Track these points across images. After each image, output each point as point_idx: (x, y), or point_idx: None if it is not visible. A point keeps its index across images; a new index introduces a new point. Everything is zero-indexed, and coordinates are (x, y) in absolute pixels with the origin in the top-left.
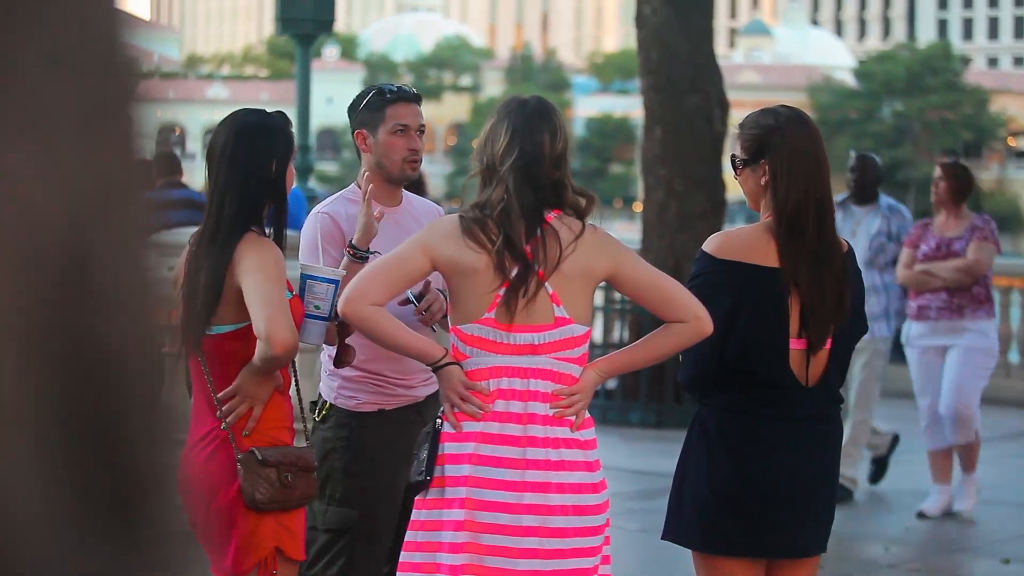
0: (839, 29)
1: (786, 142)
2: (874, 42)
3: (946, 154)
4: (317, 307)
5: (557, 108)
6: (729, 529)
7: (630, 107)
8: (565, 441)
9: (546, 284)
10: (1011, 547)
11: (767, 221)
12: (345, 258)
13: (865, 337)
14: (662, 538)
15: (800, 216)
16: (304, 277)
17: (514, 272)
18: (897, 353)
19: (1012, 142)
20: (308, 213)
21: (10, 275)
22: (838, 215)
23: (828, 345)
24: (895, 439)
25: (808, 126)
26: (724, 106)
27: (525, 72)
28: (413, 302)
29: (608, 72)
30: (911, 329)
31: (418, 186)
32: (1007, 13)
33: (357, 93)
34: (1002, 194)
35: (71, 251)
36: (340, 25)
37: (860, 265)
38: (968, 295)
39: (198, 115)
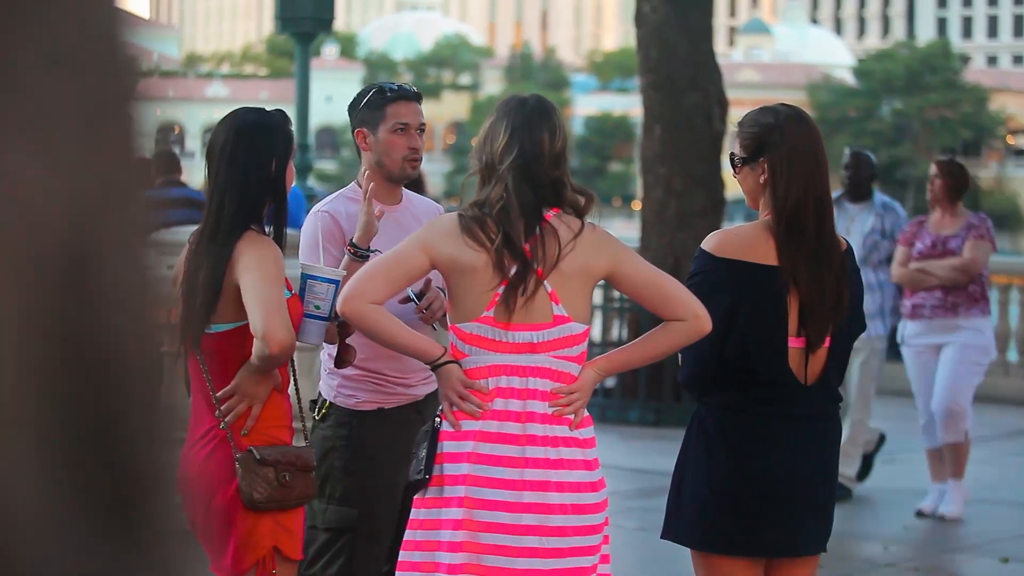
0: (838, 27)
1: (785, 140)
2: (873, 40)
3: (945, 153)
4: (317, 307)
5: (556, 106)
6: (728, 528)
7: (629, 105)
8: (564, 440)
9: (545, 282)
10: (1010, 546)
11: (766, 219)
12: (346, 257)
13: (861, 336)
14: (661, 537)
15: (799, 214)
16: (304, 277)
17: (513, 270)
18: (894, 351)
19: (1011, 140)
20: (307, 212)
21: (10, 275)
22: None
23: (827, 343)
24: (881, 438)
25: (807, 124)
26: (723, 104)
27: (524, 70)
28: (414, 300)
29: (607, 70)
30: (906, 328)
31: (417, 184)
32: (1006, 11)
33: (357, 91)
34: (1001, 192)
35: (71, 250)
36: (339, 23)
37: None
38: (964, 293)
39: (197, 114)
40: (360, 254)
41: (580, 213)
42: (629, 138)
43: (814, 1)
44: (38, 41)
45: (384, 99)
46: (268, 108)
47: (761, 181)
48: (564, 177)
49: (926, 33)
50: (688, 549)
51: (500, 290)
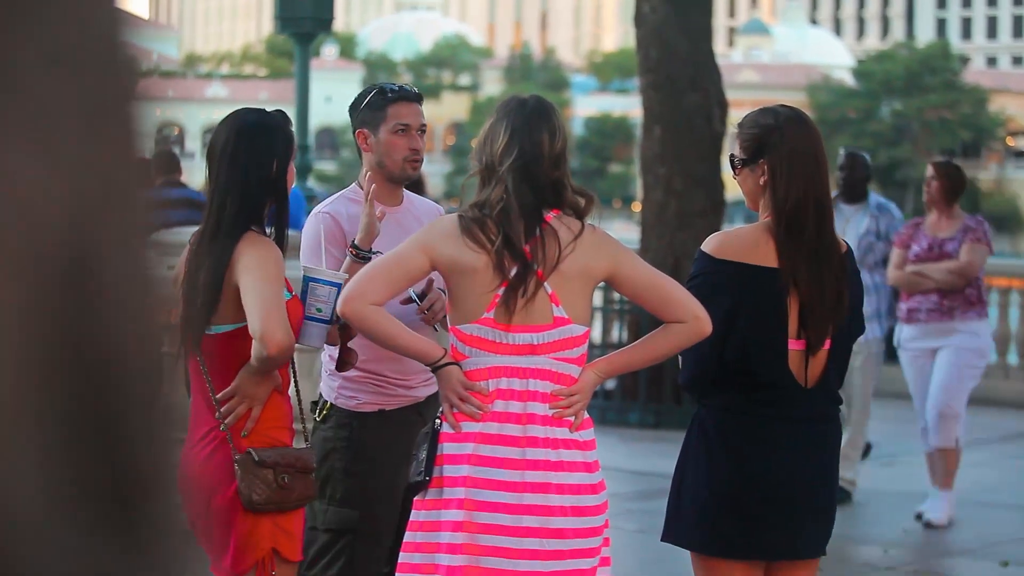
0: (838, 28)
1: (785, 142)
2: (873, 41)
3: (944, 154)
4: (319, 310)
5: (556, 107)
6: (728, 531)
7: (629, 106)
8: (564, 442)
9: (545, 284)
10: (1010, 550)
11: (766, 221)
12: (347, 258)
13: (859, 339)
14: (661, 539)
15: (799, 216)
16: (306, 279)
17: (513, 272)
18: (893, 354)
19: (1011, 142)
20: (307, 213)
21: (10, 275)
22: None
23: (827, 346)
24: (867, 446)
25: (807, 125)
26: (723, 105)
27: (524, 71)
28: (415, 301)
29: (607, 71)
30: (902, 332)
31: (417, 186)
32: (1006, 12)
33: (357, 92)
34: (1000, 194)
35: (71, 251)
36: (339, 24)
37: None
38: (960, 297)
39: (197, 114)
40: (362, 256)
41: (580, 214)
42: (629, 139)
43: (813, 2)
44: (38, 41)
45: (385, 100)
46: (268, 109)
47: (761, 182)
48: (564, 178)
49: (925, 34)
50: (688, 552)
51: (500, 291)
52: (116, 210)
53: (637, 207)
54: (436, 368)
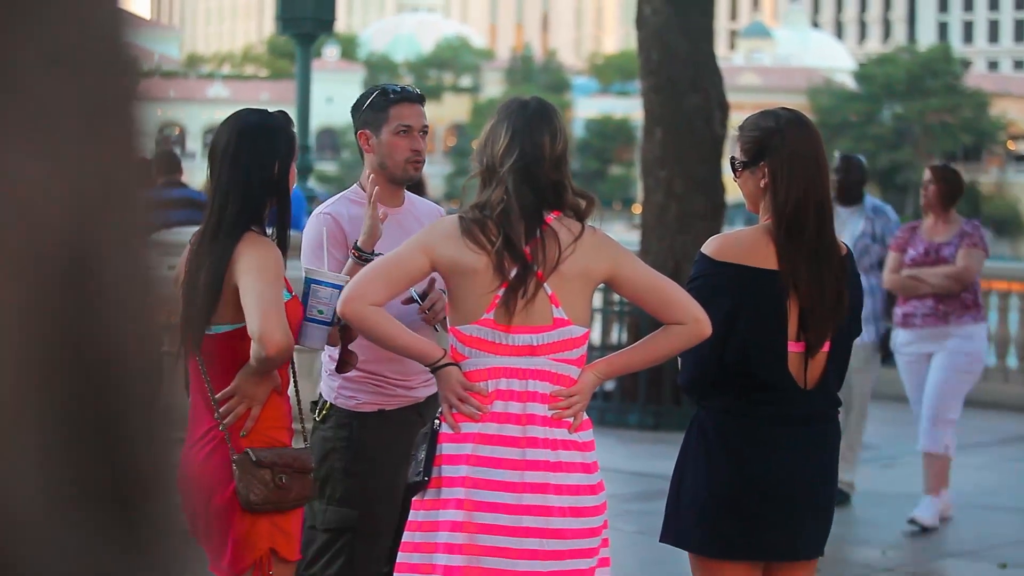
0: (839, 31)
1: (786, 144)
2: (874, 44)
3: (945, 157)
4: (321, 312)
5: (557, 109)
6: (727, 531)
7: (630, 108)
8: (563, 443)
9: (545, 285)
10: (1008, 552)
11: (766, 223)
12: (350, 260)
13: (856, 342)
14: (660, 540)
15: (799, 218)
16: (308, 281)
17: (513, 273)
18: (891, 356)
19: (1012, 146)
20: (308, 213)
21: (10, 275)
22: None
23: (826, 347)
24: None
25: (808, 128)
26: (724, 108)
27: (525, 73)
28: (417, 300)
29: (608, 73)
30: (898, 336)
31: (418, 187)
32: (1007, 16)
33: (359, 93)
34: (1001, 197)
35: (72, 251)
36: (340, 25)
37: None
38: (956, 301)
39: (198, 114)
40: (364, 258)
41: (581, 216)
42: (630, 141)
43: (815, 5)
44: (39, 41)
45: (387, 101)
46: (270, 109)
47: (761, 185)
48: (565, 180)
49: (927, 37)
50: (687, 552)
51: (500, 292)
52: (116, 210)
53: (637, 209)
54: (435, 369)
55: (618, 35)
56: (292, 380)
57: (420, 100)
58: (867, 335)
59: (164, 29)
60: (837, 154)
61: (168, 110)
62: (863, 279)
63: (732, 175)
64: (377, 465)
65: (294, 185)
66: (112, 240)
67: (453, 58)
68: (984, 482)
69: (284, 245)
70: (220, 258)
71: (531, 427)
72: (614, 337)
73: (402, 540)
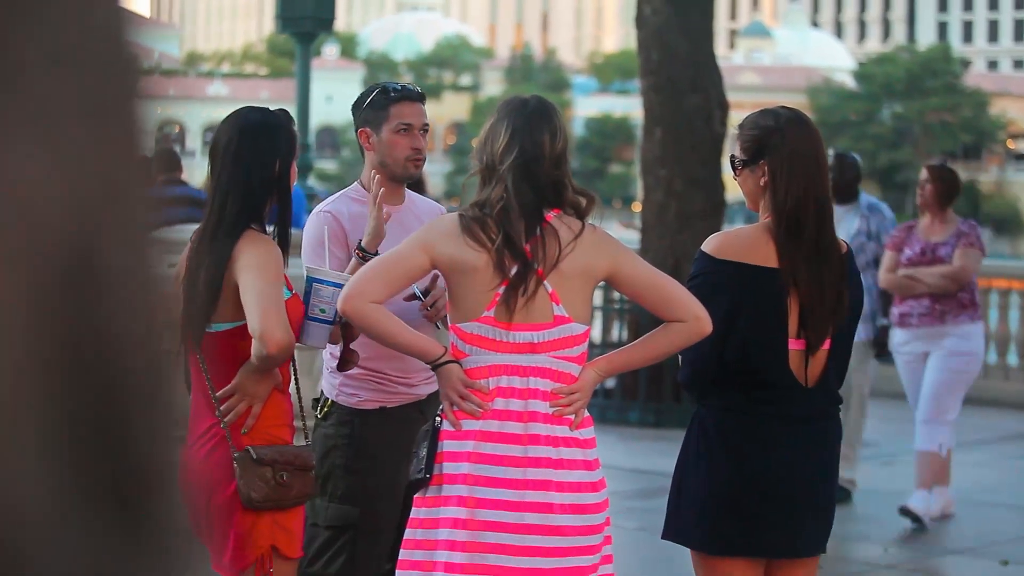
0: (839, 31)
1: (786, 143)
2: (874, 44)
3: (944, 157)
4: (322, 310)
5: (557, 108)
6: (728, 529)
7: (630, 107)
8: (565, 440)
9: (545, 283)
10: (1009, 549)
11: (766, 221)
12: (353, 260)
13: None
14: (662, 538)
15: (799, 216)
16: (310, 280)
17: (513, 271)
18: (887, 354)
19: (1011, 145)
20: (308, 211)
21: (12, 274)
22: None
23: (827, 345)
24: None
25: (808, 127)
26: (724, 107)
27: (525, 72)
28: (419, 297)
29: (608, 72)
30: (895, 336)
31: (418, 185)
32: (1007, 16)
33: (358, 92)
34: (1001, 196)
35: (73, 249)
36: (340, 23)
37: None
38: (952, 301)
39: (198, 112)
40: (367, 258)
41: (581, 214)
42: (629, 140)
43: (815, 4)
44: (40, 40)
45: (388, 99)
46: (271, 107)
47: (761, 183)
48: (565, 178)
49: (927, 37)
50: (688, 550)
51: (501, 290)
52: (118, 208)
53: (637, 207)
54: (436, 366)
55: (618, 34)
56: (293, 378)
57: (420, 98)
58: (862, 332)
59: (164, 27)
60: (831, 152)
61: (168, 108)
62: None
63: (732, 173)
64: (378, 462)
65: (294, 183)
66: (113, 238)
67: (453, 57)
68: (985, 479)
69: (285, 243)
70: (220, 256)
71: (533, 424)
72: (614, 335)
73: (404, 537)
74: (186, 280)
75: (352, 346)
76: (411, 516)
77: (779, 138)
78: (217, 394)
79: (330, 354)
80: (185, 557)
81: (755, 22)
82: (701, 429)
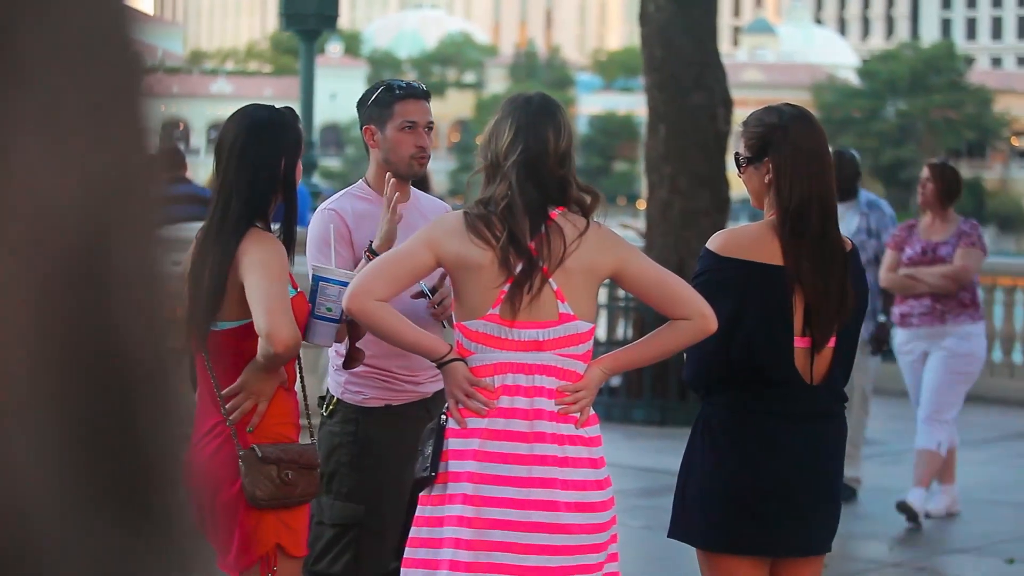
0: (843, 28)
1: (790, 140)
2: (878, 41)
3: (948, 154)
4: (329, 309)
5: (561, 105)
6: (734, 527)
7: (634, 105)
8: (570, 438)
9: (550, 280)
10: (1015, 547)
11: (771, 219)
12: (363, 261)
13: None
14: (668, 536)
15: (804, 213)
16: (316, 279)
17: (518, 268)
18: (886, 351)
19: (1015, 142)
20: (312, 209)
21: (19, 270)
22: None
23: (832, 343)
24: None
25: (812, 124)
26: (728, 104)
27: (529, 69)
28: (427, 295)
29: (612, 70)
30: (896, 336)
31: (422, 183)
32: (1011, 13)
33: (362, 89)
34: (1005, 194)
35: (81, 246)
36: (344, 21)
37: None
38: (953, 300)
39: (202, 110)
40: None
41: (586, 212)
42: (633, 137)
43: (818, 1)
44: (45, 36)
45: (392, 97)
46: (276, 105)
47: (766, 181)
48: (569, 175)
49: (930, 34)
50: (694, 548)
51: (506, 288)
52: (125, 205)
53: (642, 205)
54: (441, 364)
55: (621, 32)
56: (298, 375)
57: (425, 96)
58: (865, 331)
59: (168, 25)
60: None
61: (172, 106)
62: None
63: (736, 171)
64: (384, 460)
65: (299, 181)
66: (120, 236)
67: (457, 54)
68: (990, 477)
69: (290, 241)
70: (224, 254)
71: (539, 422)
72: (619, 332)
73: (409, 535)
74: (191, 278)
75: (358, 344)
76: (416, 514)
77: (783, 135)
78: (222, 392)
79: (335, 352)
80: (192, 554)
81: (759, 19)
82: (706, 427)
